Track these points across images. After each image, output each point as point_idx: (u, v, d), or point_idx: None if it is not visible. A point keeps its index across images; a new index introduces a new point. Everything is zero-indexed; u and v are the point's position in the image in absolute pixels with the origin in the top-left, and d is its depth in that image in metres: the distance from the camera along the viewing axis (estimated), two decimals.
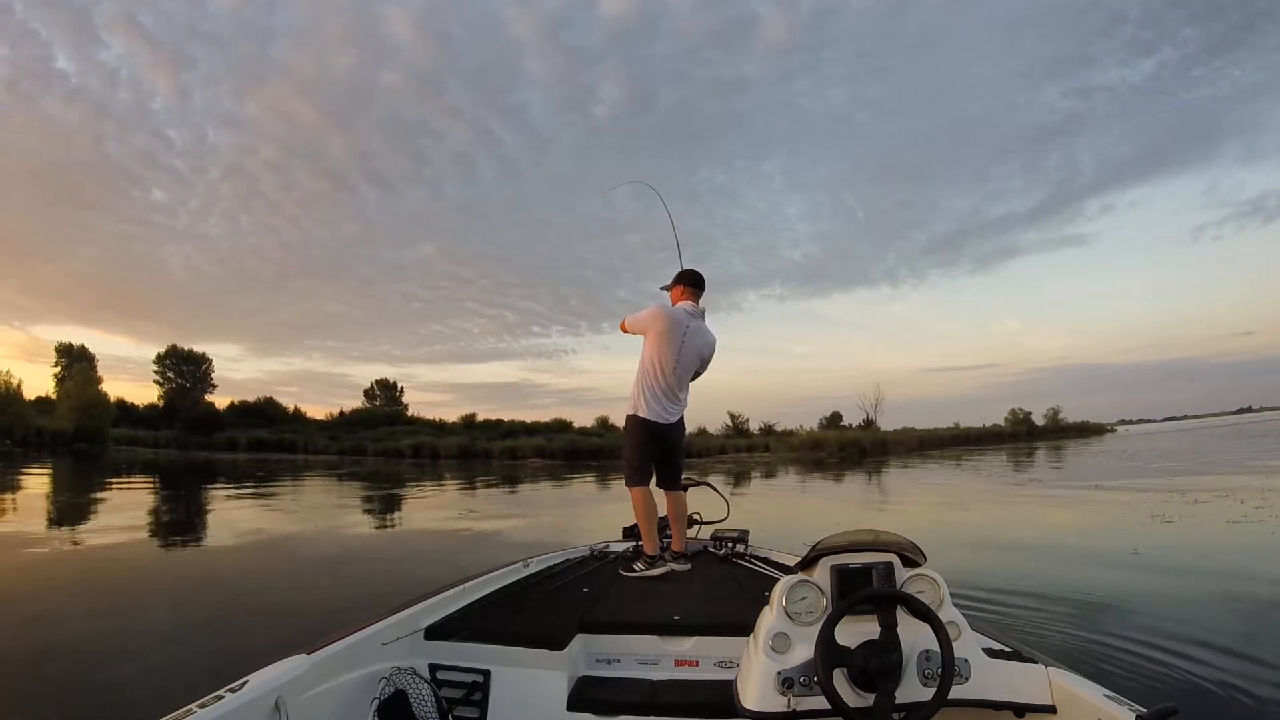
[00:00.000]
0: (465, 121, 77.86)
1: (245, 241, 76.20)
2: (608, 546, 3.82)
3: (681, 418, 3.68)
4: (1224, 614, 4.39)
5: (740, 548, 3.64)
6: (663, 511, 3.63)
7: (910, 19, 77.11)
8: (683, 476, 3.83)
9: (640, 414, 3.54)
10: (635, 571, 3.30)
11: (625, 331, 3.69)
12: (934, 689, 1.54)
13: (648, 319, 3.55)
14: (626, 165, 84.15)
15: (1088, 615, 4.46)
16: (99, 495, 15.71)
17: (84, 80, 66.47)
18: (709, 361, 3.69)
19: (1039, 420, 47.90)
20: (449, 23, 74.70)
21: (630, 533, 3.81)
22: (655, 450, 3.60)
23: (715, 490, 4.41)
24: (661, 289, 3.80)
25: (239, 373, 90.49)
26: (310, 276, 78.34)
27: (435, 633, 2.33)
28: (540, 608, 2.66)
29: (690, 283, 3.65)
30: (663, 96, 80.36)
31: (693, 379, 3.68)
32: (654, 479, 3.65)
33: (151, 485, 19.11)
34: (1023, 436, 43.55)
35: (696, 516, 4.05)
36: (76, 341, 51.64)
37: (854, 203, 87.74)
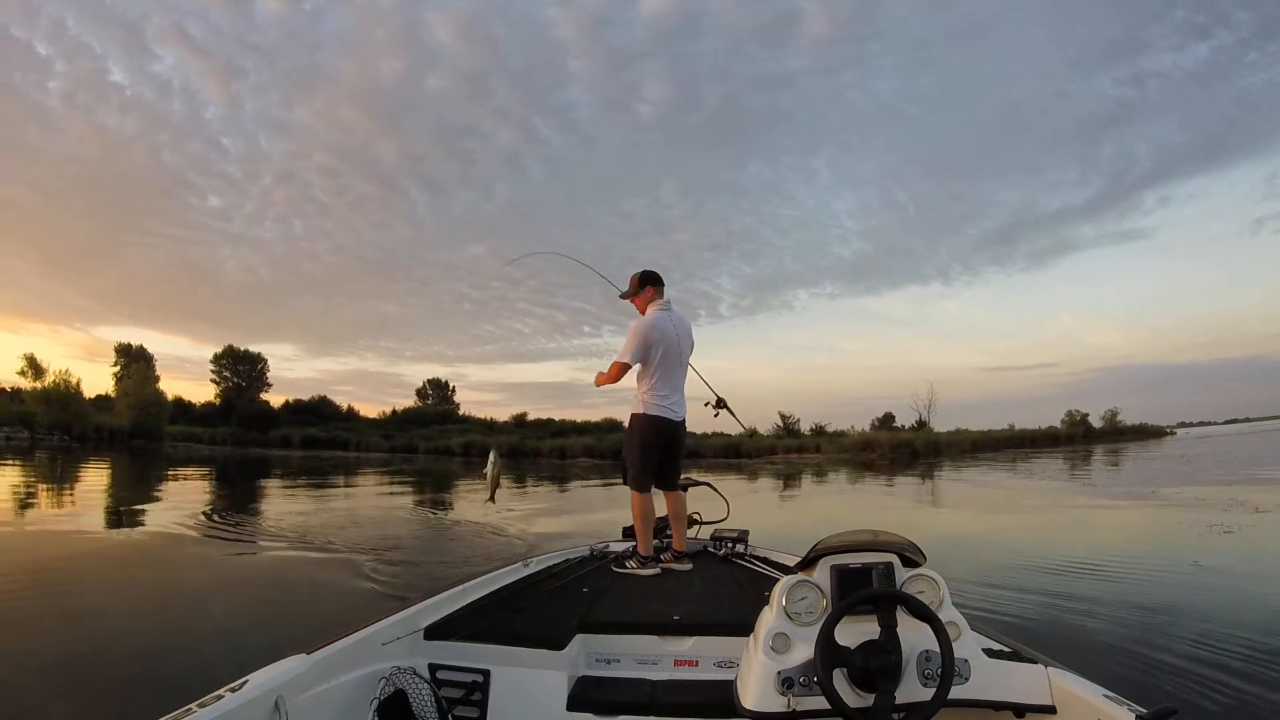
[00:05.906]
0: (512, 123, 77.78)
1: (299, 245, 77.97)
2: (608, 546, 3.83)
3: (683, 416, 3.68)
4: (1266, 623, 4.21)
5: (740, 548, 3.63)
6: (661, 512, 3.61)
7: (958, 8, 74.37)
8: (682, 476, 3.81)
9: (651, 412, 3.51)
10: (627, 569, 3.31)
11: (624, 371, 3.51)
12: (934, 689, 1.53)
13: (642, 339, 3.47)
14: (673, 162, 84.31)
15: (1120, 622, 4.32)
16: (148, 486, 16.52)
17: (138, 92, 68.12)
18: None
19: (1096, 422, 45.82)
20: (492, 25, 75.06)
21: (631, 533, 3.78)
22: (660, 450, 3.56)
23: (715, 490, 4.38)
24: (621, 297, 3.79)
25: (294, 372, 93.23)
26: (363, 278, 79.96)
27: (435, 633, 2.34)
28: (540, 608, 2.66)
29: (654, 282, 3.69)
30: (707, 93, 78.89)
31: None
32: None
33: (203, 478, 19.84)
34: (1079, 439, 41.71)
35: (696, 516, 4.03)
36: (136, 342, 53.17)
37: (904, 198, 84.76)
